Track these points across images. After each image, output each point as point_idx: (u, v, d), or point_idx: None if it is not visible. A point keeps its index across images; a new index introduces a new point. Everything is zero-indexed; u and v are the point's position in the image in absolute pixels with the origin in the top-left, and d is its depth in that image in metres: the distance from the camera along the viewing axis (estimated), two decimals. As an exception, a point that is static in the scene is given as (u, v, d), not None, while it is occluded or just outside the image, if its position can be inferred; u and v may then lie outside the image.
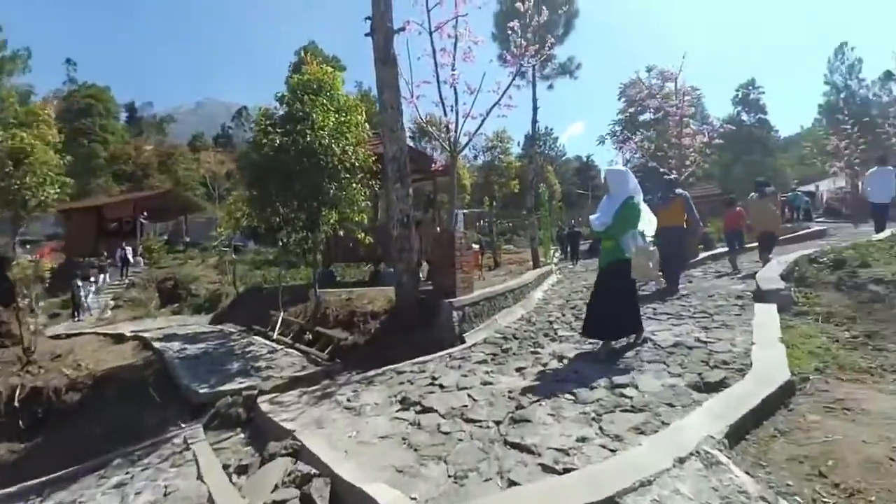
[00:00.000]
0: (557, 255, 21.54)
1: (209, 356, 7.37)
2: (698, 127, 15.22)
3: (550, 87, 16.72)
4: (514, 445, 2.77)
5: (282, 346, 7.32)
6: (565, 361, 4.41)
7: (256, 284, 14.86)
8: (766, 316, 5.21)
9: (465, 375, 4.34)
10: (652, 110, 15.46)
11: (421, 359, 5.22)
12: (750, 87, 46.82)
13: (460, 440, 2.98)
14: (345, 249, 11.87)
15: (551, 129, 56.76)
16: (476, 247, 12.87)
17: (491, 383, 3.96)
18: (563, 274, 14.17)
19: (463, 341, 5.81)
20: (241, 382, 5.63)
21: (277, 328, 8.18)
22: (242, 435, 4.54)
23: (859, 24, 75.05)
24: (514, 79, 6.84)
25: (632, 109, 34.36)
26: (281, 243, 7.78)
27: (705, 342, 4.51)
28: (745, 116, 47.05)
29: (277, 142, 6.26)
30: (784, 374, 3.36)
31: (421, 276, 9.41)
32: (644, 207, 4.48)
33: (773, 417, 2.93)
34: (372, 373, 5.05)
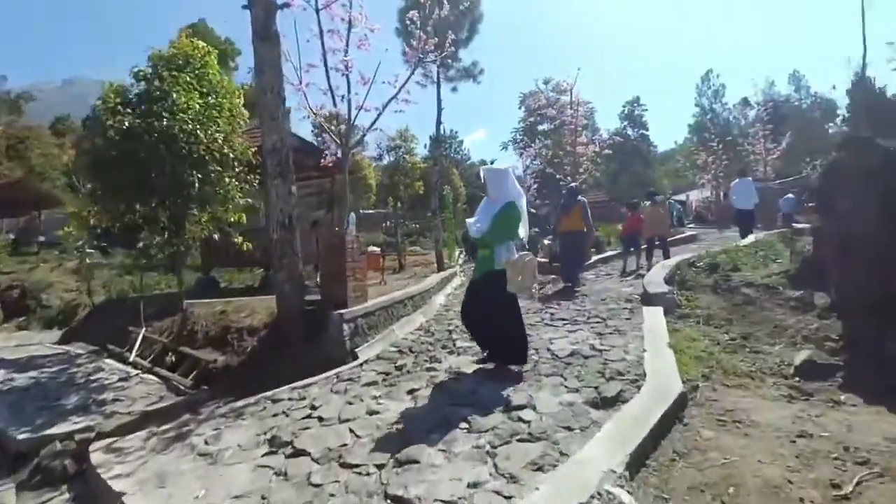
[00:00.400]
0: (463, 256, 21.73)
1: (42, 388, 5.94)
2: (590, 137, 16.13)
3: (454, 89, 16.77)
4: (396, 500, 2.29)
5: (139, 371, 6.16)
6: (462, 379, 4.05)
7: (122, 293, 12.86)
8: (654, 320, 5.33)
9: (351, 402, 3.79)
10: (549, 120, 16.07)
11: (303, 382, 4.57)
12: (635, 105, 51.48)
13: (332, 496, 2.43)
14: (232, 252, 10.61)
15: (456, 133, 57.62)
16: (376, 249, 12.29)
17: (378, 412, 3.46)
18: (467, 275, 14.08)
19: (355, 357, 5.25)
20: (75, 423, 4.48)
21: (136, 348, 6.92)
22: (68, 495, 3.56)
23: (724, 53, 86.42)
24: (413, 72, 6.42)
25: (531, 119, 36.06)
26: (140, 247, 6.58)
27: (600, 350, 4.44)
28: (629, 131, 51.64)
29: (126, 124, 5.19)
30: (677, 385, 3.30)
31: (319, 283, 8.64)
32: (525, 212, 4.14)
33: (670, 435, 2.80)
34: (242, 403, 4.30)
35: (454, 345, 5.28)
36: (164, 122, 5.22)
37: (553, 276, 10.62)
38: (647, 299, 6.30)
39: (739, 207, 10.77)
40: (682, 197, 33.69)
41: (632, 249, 9.98)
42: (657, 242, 9.67)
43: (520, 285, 4.00)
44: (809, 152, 31.13)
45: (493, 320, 4.02)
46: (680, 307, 5.90)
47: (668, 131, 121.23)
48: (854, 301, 4.47)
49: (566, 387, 3.57)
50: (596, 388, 3.46)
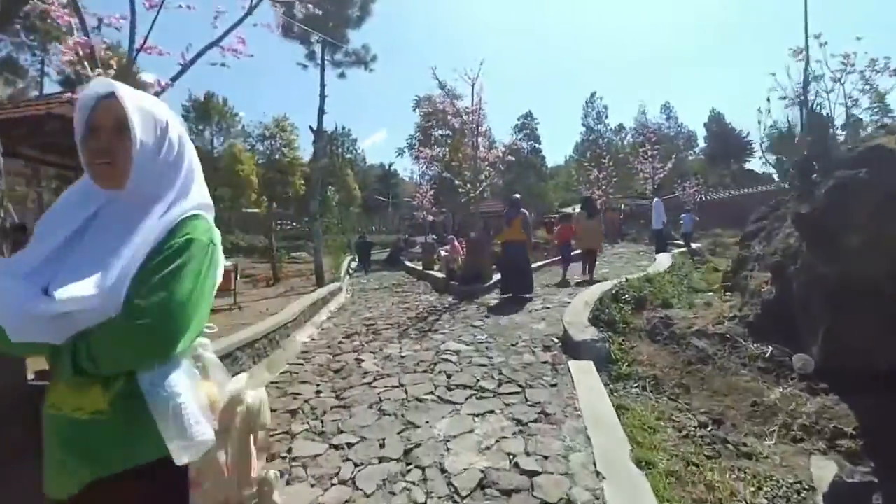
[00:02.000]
0: (354, 264, 19.96)
1: None
2: (490, 140, 14.94)
3: (342, 75, 14.41)
4: None
5: None
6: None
7: None
8: (592, 394, 3.73)
9: None
10: (450, 116, 14.49)
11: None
12: (528, 118, 53.15)
13: None
14: None
15: (349, 130, 54.79)
16: (227, 263, 9.65)
17: None
18: (354, 291, 11.91)
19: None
20: None
21: None
22: None
23: (606, 77, 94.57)
24: (252, 9, 4.18)
25: (427, 123, 34.76)
26: None
27: (529, 472, 2.66)
28: (524, 144, 53.12)
29: None
30: None
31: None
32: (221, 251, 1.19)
33: None
34: None
35: (290, 444, 3.17)
36: None
37: (452, 298, 8.94)
38: (572, 348, 4.78)
39: (652, 227, 10.39)
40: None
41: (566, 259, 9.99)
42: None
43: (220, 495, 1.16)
44: (678, 175, 34.14)
45: None
46: (614, 362, 4.43)
47: (557, 147, 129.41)
48: (858, 371, 3.25)
49: None
50: None
